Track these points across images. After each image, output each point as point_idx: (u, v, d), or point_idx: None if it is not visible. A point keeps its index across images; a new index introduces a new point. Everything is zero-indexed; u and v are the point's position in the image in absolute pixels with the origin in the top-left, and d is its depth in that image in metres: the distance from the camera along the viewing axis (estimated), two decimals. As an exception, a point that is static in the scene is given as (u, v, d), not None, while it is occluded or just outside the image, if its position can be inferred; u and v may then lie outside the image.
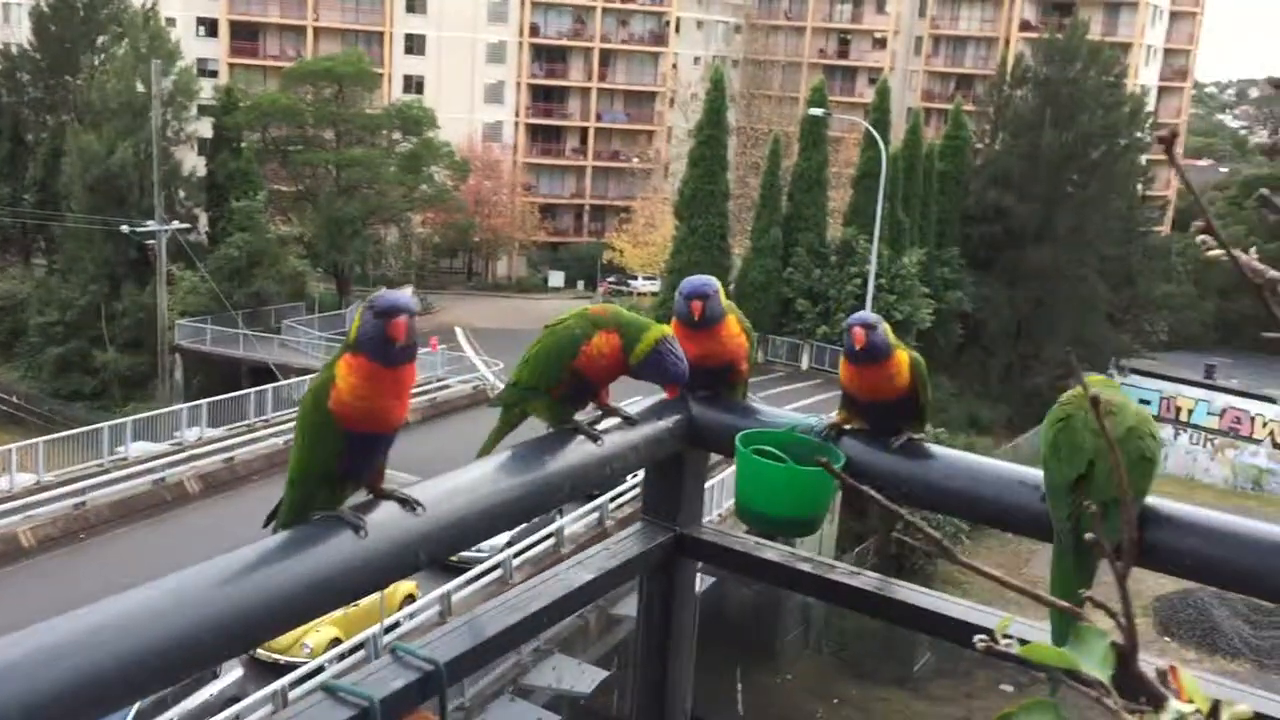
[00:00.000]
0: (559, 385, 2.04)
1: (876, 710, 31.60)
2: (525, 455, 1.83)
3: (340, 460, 1.57)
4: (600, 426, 2.02)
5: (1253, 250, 1.26)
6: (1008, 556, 43.31)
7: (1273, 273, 1.26)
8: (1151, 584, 38.13)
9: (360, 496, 1.60)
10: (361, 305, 1.64)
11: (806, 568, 2.08)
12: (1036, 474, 1.90)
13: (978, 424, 47.92)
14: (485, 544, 23.81)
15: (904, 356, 2.12)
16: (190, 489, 27.30)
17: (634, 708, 2.22)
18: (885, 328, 2.12)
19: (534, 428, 2.05)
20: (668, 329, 2.08)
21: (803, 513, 1.99)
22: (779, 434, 2.07)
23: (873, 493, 1.03)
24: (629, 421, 2.07)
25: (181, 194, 52.44)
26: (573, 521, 25.09)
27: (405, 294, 1.64)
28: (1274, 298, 1.07)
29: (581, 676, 20.92)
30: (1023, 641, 1.01)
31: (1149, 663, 1.61)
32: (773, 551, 2.13)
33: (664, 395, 2.13)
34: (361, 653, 19.24)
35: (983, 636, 1.06)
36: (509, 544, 23.12)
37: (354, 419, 1.55)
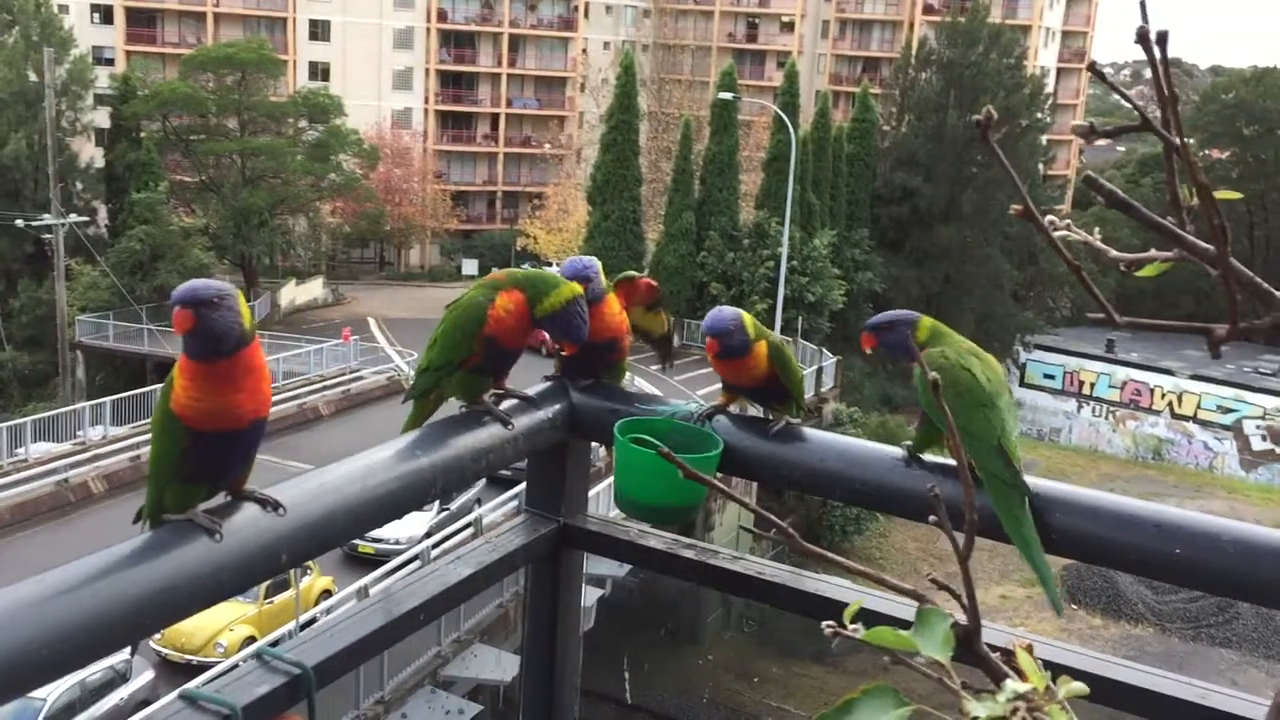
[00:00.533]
0: (471, 356, 2.04)
1: (796, 686, 32.06)
2: (400, 450, 1.79)
3: (188, 460, 1.53)
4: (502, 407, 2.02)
5: (1096, 231, 1.28)
6: (922, 531, 44.20)
7: (1114, 253, 1.28)
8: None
9: (222, 499, 1.56)
10: None
11: (690, 554, 2.09)
12: (924, 458, 1.92)
13: (891, 402, 48.72)
14: (403, 534, 23.62)
15: (762, 348, 2.15)
16: (95, 489, 26.59)
17: (522, 697, 2.21)
18: (744, 322, 2.15)
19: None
20: (579, 288, 2.09)
21: (680, 500, 1.99)
22: (657, 421, 2.07)
23: (714, 482, 1.03)
24: (529, 402, 2.06)
25: (79, 186, 50.97)
26: (493, 510, 24.97)
27: (202, 282, 1.56)
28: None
29: (502, 666, 20.84)
30: (868, 626, 1.02)
31: (1008, 635, 1.65)
32: (656, 539, 2.13)
33: (542, 385, 2.12)
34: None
35: (830, 623, 1.06)
36: (427, 534, 22.92)
37: (195, 418, 1.50)
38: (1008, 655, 1.10)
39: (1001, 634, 1.63)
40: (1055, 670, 1.00)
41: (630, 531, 2.16)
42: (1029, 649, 1.21)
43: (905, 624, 1.08)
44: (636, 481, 1.97)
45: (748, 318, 2.17)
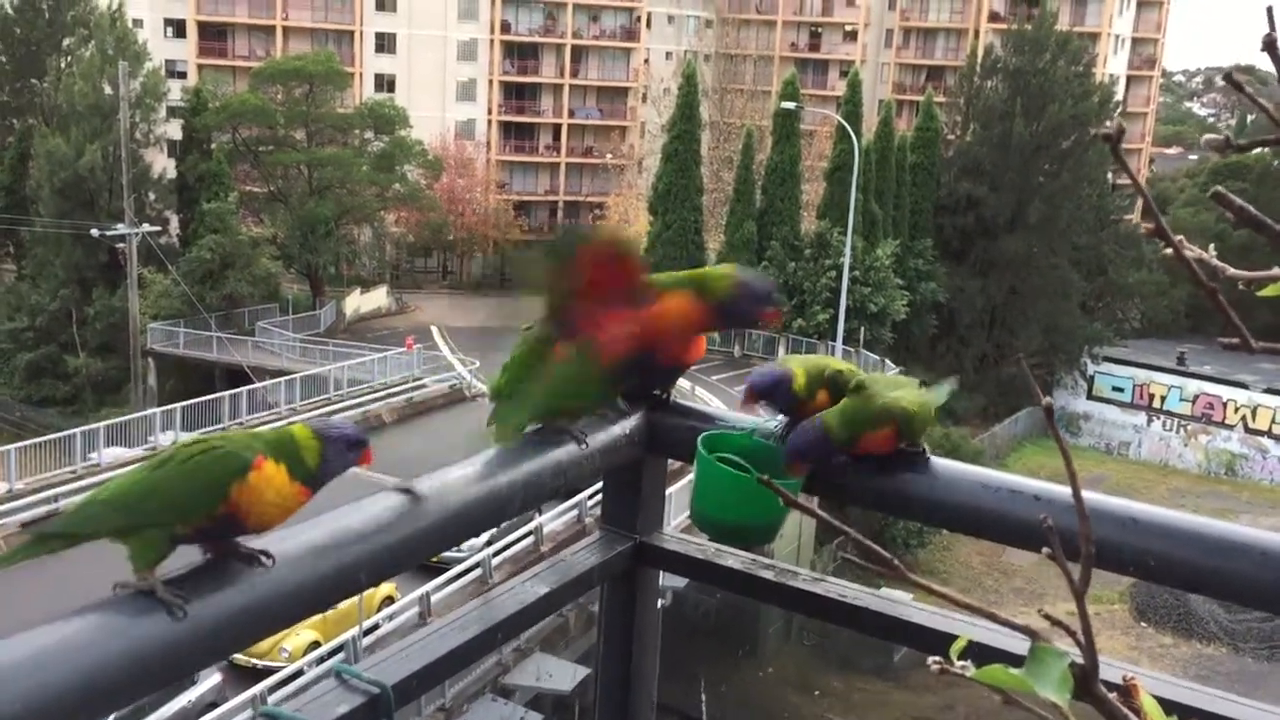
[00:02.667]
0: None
1: (857, 701, 31.73)
2: (480, 468, 1.77)
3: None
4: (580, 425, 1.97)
5: (1211, 248, 1.22)
6: (984, 546, 43.55)
7: (1231, 271, 1.22)
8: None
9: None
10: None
11: (769, 575, 2.04)
12: (1027, 482, 1.86)
13: (953, 414, 48.13)
14: (464, 541, 23.79)
15: (822, 399, 2.03)
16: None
17: (598, 717, 2.18)
18: (789, 383, 2.03)
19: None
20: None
21: (761, 519, 1.95)
22: (740, 437, 2.03)
23: (814, 509, 0.98)
24: (606, 418, 2.02)
25: (151, 196, 52.04)
26: (552, 520, 25.04)
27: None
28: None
29: (563, 675, 20.87)
30: (979, 664, 0.97)
31: (1115, 667, 1.58)
32: (733, 559, 2.09)
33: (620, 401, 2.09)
34: (342, 654, 19.13)
35: (937, 659, 1.01)
36: (488, 543, 23.04)
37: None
38: (1124, 693, 1.05)
39: (1107, 667, 1.57)
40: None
41: (707, 550, 2.13)
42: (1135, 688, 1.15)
43: (1009, 656, 1.03)
44: (717, 499, 1.94)
45: (800, 372, 2.05)
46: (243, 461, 1.43)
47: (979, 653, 1.06)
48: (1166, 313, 64.51)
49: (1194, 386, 60.61)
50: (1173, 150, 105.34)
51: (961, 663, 0.99)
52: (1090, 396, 61.52)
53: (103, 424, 30.90)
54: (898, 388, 1.99)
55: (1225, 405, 59.57)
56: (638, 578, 2.13)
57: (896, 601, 1.94)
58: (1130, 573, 1.69)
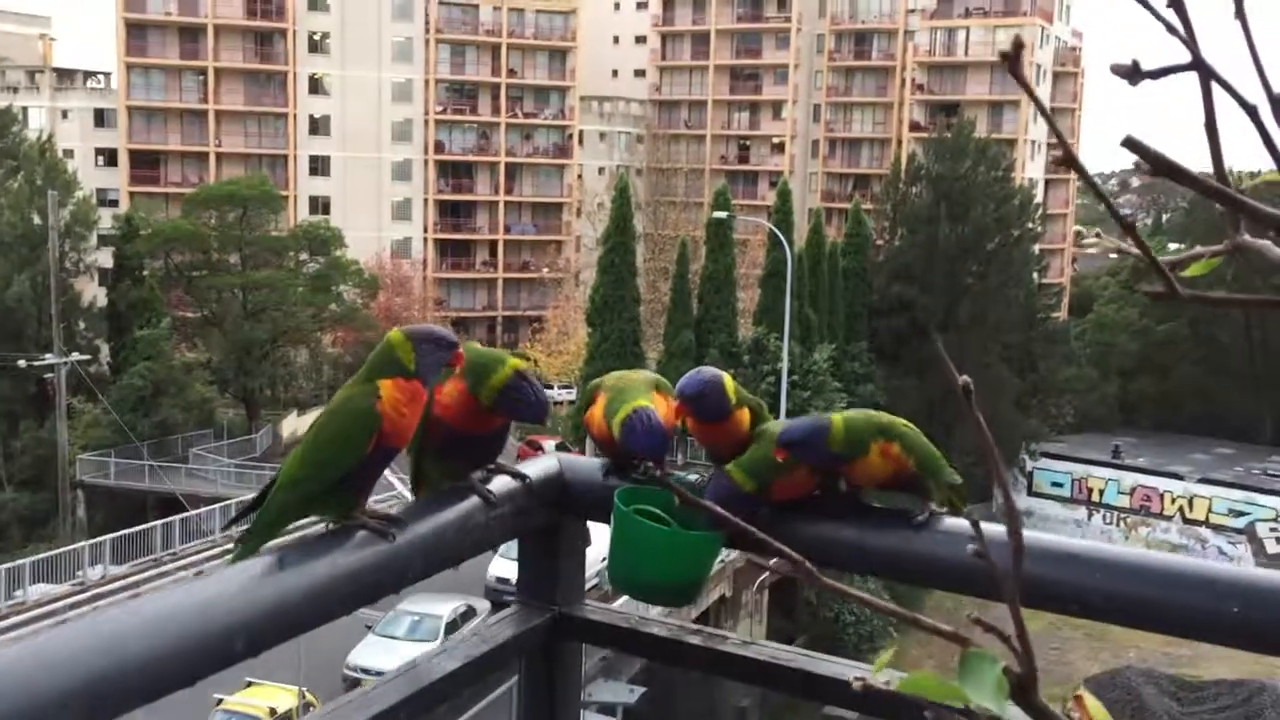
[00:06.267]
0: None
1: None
2: (367, 534, 1.64)
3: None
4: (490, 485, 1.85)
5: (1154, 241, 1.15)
6: (937, 647, 43.18)
7: (1156, 258, 1.16)
8: (1081, 666, 38.23)
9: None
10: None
11: (696, 640, 1.91)
12: (957, 522, 1.78)
13: (898, 515, 48.15)
14: (399, 664, 23.03)
15: (743, 415, 1.97)
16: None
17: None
18: (723, 384, 1.95)
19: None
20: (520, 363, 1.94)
21: (684, 576, 1.83)
22: (660, 493, 1.91)
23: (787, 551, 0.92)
24: (517, 477, 1.89)
25: (81, 325, 51.28)
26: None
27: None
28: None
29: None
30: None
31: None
32: (659, 627, 1.95)
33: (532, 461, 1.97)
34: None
35: (859, 676, 0.90)
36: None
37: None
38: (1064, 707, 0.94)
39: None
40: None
41: (632, 619, 1.99)
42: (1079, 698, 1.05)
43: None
44: (636, 557, 1.81)
45: (729, 381, 1.98)
46: (368, 405, 1.68)
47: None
48: (1099, 407, 65.66)
49: (1130, 479, 61.42)
50: (1092, 250, 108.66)
51: (884, 677, 0.88)
52: (1030, 493, 62.02)
53: (28, 560, 29.87)
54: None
55: (1162, 496, 60.33)
56: (558, 652, 1.99)
57: (824, 659, 1.82)
58: (1073, 611, 1.59)
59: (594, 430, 1.98)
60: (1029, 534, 1.69)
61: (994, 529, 1.73)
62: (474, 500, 1.77)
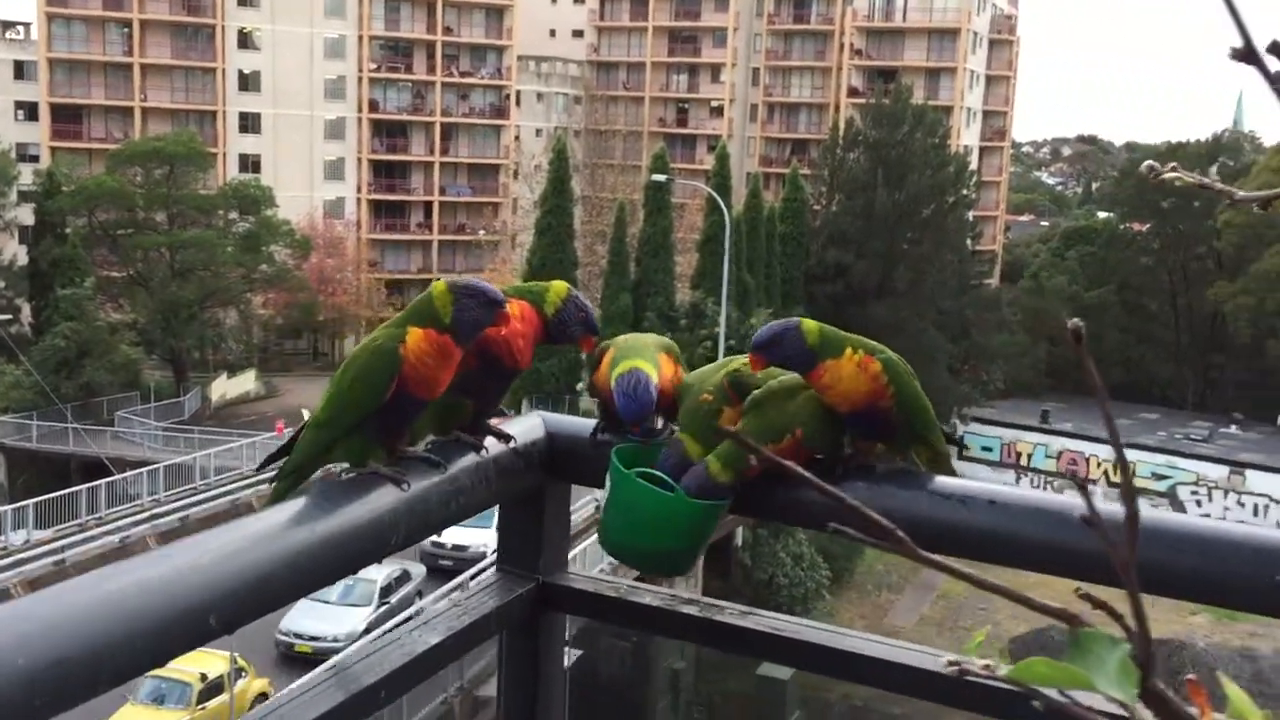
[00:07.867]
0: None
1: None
2: (354, 494, 1.50)
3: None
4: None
5: (1214, 170, 1.03)
6: (868, 608, 43.87)
7: (1241, 194, 1.07)
8: (1008, 626, 39.00)
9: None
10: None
11: (692, 611, 1.80)
12: (978, 485, 1.66)
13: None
14: (341, 631, 22.81)
15: (845, 365, 1.78)
16: (16, 596, 25.43)
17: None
18: (801, 330, 1.77)
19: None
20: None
21: (686, 542, 1.72)
22: (656, 453, 1.80)
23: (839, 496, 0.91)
24: (499, 437, 1.76)
25: (1, 284, 49.78)
26: (435, 601, 24.25)
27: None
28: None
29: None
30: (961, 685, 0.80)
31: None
32: (651, 596, 1.84)
33: (515, 418, 1.84)
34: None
35: (954, 659, 0.82)
36: (367, 630, 22.15)
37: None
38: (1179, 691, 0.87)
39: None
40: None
41: (620, 588, 1.87)
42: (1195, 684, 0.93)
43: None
44: (632, 521, 1.70)
45: (811, 325, 1.80)
46: (391, 347, 1.64)
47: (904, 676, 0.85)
48: (1029, 372, 66.76)
49: (1058, 444, 62.68)
50: (1025, 217, 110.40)
51: (984, 661, 0.76)
52: (961, 457, 63.01)
53: (-53, 524, 29.03)
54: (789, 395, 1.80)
55: (1088, 461, 61.67)
56: (541, 623, 1.86)
57: (837, 632, 1.72)
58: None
59: (600, 389, 1.86)
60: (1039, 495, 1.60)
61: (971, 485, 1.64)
62: (469, 457, 1.65)
